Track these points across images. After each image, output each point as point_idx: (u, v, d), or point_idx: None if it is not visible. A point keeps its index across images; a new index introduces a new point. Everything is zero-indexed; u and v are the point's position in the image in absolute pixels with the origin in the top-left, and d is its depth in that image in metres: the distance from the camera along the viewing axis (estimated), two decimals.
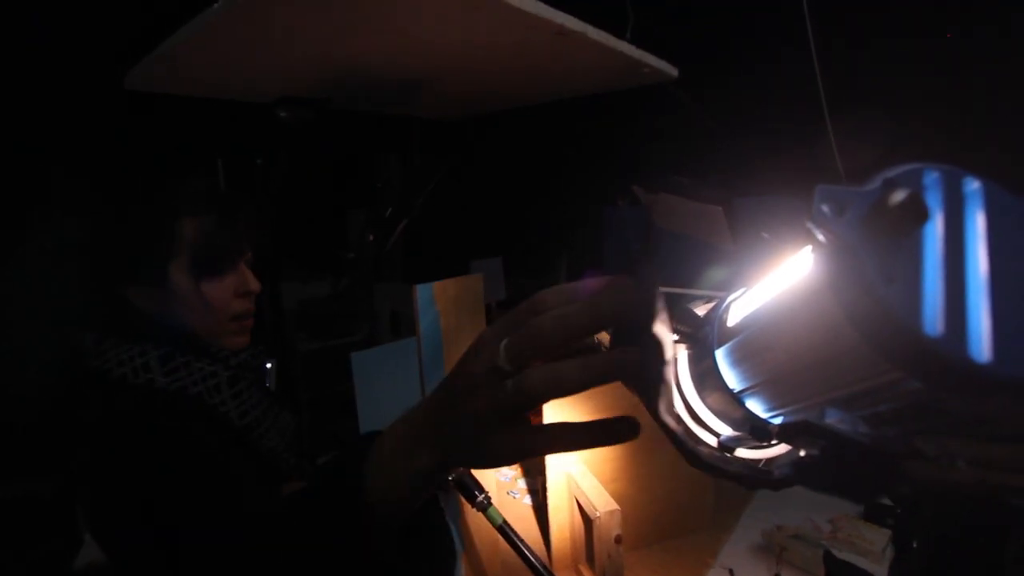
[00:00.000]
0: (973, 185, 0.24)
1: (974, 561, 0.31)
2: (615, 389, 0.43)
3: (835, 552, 0.96)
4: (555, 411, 0.99)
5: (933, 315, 0.21)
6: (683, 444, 0.32)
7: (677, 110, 1.75)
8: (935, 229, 0.23)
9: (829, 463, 0.26)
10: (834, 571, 0.91)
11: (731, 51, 1.75)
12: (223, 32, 0.89)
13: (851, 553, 1.00)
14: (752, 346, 0.32)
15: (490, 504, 0.88)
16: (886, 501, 1.03)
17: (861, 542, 1.02)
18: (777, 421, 0.33)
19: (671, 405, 0.32)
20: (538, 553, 0.86)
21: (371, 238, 1.62)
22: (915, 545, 0.34)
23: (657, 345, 0.32)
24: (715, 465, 0.31)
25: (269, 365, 1.53)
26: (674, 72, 1.30)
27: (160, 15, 1.06)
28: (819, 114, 1.49)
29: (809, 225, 0.23)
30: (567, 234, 2.10)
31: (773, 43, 1.63)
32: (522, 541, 0.85)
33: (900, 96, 1.49)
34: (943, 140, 1.40)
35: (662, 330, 0.32)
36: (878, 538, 1.02)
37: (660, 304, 0.32)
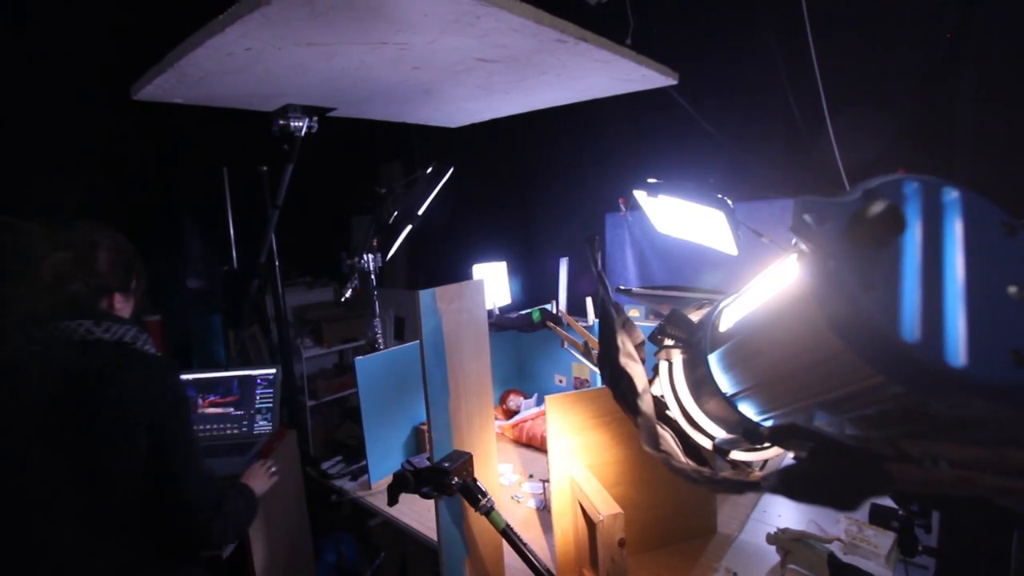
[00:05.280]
0: (952, 195, 0.25)
1: (980, 564, 0.32)
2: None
3: (840, 555, 0.96)
4: (555, 412, 0.99)
5: (911, 321, 0.22)
6: (668, 465, 0.33)
7: (677, 115, 1.76)
8: (913, 238, 0.24)
9: (814, 469, 0.26)
10: (839, 574, 0.91)
11: (731, 56, 1.76)
12: (228, 43, 0.90)
13: (856, 556, 1.00)
14: (742, 351, 0.33)
15: (493, 508, 0.88)
16: (890, 504, 1.03)
17: (866, 545, 1.01)
18: (769, 424, 0.33)
19: (652, 435, 0.33)
20: (542, 557, 0.87)
21: (375, 244, 1.64)
22: (920, 548, 0.35)
23: (628, 378, 0.33)
24: (699, 479, 0.32)
25: (274, 371, 1.55)
26: (675, 77, 1.31)
27: (166, 26, 1.08)
28: (819, 117, 1.49)
29: (792, 235, 0.24)
30: (568, 238, 2.12)
31: (773, 48, 1.64)
32: (525, 545, 0.86)
33: (899, 97, 1.50)
34: (939, 141, 1.41)
35: (628, 363, 0.33)
36: (883, 541, 1.01)
37: (621, 336, 0.33)
